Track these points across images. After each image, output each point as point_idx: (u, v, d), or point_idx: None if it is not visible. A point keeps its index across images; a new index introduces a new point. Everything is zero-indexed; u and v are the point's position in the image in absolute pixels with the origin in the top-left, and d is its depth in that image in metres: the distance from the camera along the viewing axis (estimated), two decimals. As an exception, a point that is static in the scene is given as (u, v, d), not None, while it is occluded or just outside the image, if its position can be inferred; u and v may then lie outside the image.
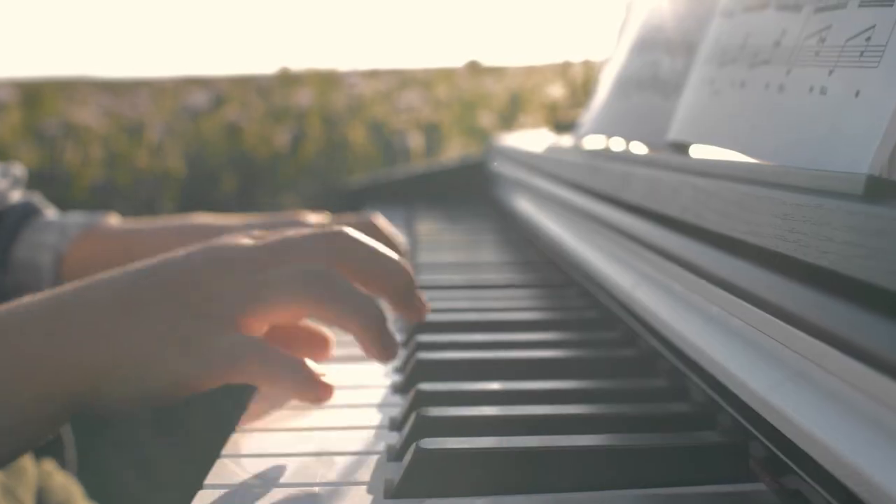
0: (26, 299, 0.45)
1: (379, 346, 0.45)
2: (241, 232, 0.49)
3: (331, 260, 0.46)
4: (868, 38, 0.40)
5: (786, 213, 0.38)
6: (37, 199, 0.79)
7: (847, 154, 0.38)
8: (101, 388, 0.42)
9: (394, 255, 0.48)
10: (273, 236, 0.48)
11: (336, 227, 0.48)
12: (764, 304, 0.39)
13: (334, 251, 0.47)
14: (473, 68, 3.77)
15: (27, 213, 0.76)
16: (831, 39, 0.43)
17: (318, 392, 0.43)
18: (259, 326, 0.44)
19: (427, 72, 3.77)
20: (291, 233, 0.48)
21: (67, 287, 0.45)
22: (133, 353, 0.42)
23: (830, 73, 0.42)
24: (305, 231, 0.48)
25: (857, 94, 0.39)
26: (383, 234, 0.77)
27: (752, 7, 0.53)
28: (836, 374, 0.33)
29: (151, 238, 0.73)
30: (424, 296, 0.50)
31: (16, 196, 0.79)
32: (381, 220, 0.77)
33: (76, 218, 0.76)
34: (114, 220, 0.77)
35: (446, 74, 3.81)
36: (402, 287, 0.48)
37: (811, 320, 0.35)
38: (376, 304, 0.46)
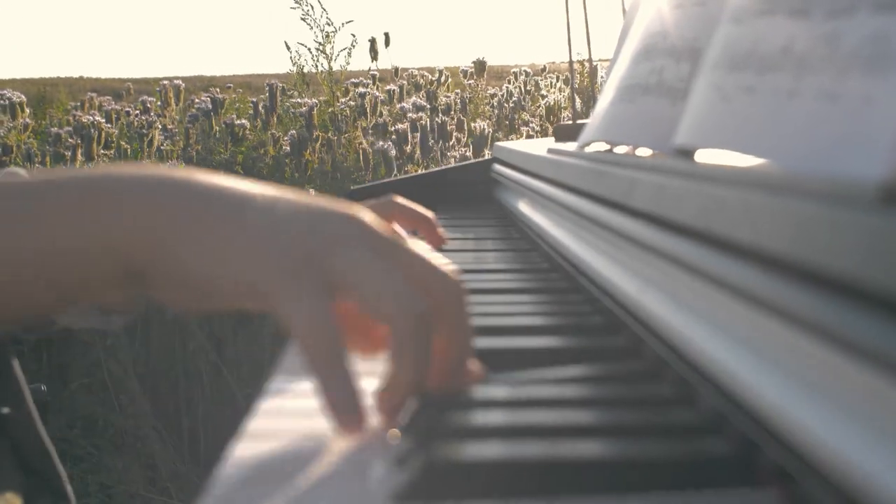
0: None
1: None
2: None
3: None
4: (878, 45, 0.39)
5: (795, 219, 0.37)
6: None
7: (857, 161, 0.38)
8: (161, 255, 0.43)
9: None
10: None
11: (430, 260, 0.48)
12: (773, 311, 0.39)
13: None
14: (480, 67, 3.76)
15: None
16: (841, 45, 0.42)
17: (340, 416, 0.42)
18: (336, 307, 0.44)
19: (433, 71, 3.77)
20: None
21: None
22: (209, 241, 0.42)
23: (840, 79, 0.42)
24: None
25: (867, 100, 0.39)
26: (409, 208, 0.76)
27: (762, 12, 0.52)
28: (847, 383, 0.33)
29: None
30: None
31: None
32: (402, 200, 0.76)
33: None
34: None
35: (452, 74, 3.81)
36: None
37: (820, 326, 0.35)
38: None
